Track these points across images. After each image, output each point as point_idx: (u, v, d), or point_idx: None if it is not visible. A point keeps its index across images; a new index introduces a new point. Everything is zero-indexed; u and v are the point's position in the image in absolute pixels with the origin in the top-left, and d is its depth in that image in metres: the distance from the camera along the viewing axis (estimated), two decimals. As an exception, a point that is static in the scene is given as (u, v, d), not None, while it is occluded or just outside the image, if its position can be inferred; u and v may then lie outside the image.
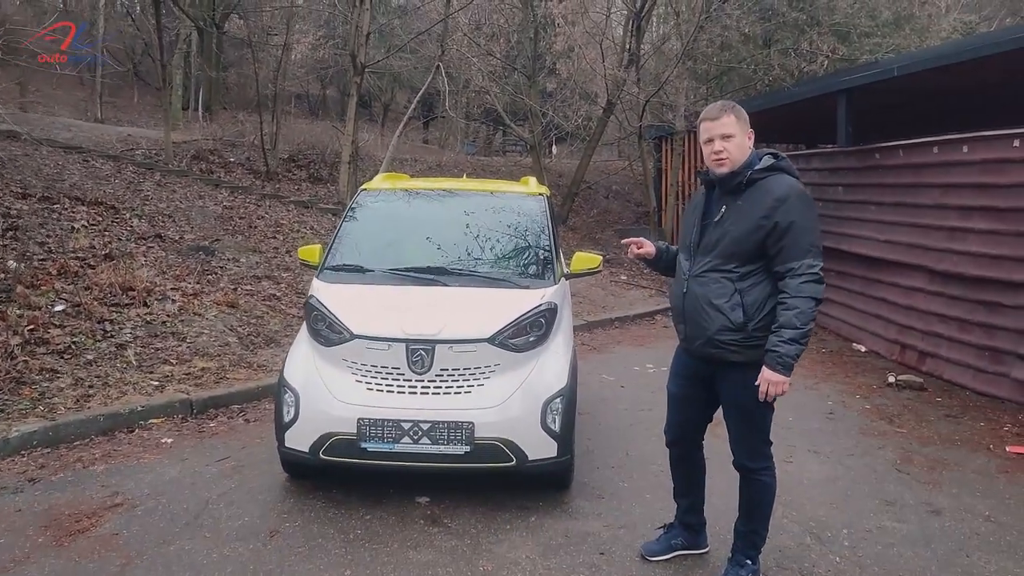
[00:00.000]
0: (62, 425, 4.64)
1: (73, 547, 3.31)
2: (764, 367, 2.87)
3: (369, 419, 3.64)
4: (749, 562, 3.20)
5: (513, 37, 18.92)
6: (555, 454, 3.80)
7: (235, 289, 8.19)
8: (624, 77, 14.89)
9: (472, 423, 3.64)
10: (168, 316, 6.86)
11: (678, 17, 15.07)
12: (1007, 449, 5.15)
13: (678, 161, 16.01)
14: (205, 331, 6.76)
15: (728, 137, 2.96)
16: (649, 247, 3.33)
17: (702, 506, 3.49)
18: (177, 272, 8.15)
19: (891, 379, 6.90)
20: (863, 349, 8.37)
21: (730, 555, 3.27)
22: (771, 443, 3.17)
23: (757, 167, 2.97)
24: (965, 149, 6.62)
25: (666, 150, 16.88)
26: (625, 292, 12.19)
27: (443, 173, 18.45)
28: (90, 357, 5.77)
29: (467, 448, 3.65)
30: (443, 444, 3.65)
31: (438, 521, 3.69)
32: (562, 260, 4.70)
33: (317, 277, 4.25)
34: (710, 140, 3.01)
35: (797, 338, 2.81)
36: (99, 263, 7.72)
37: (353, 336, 3.77)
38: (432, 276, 4.11)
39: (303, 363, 3.92)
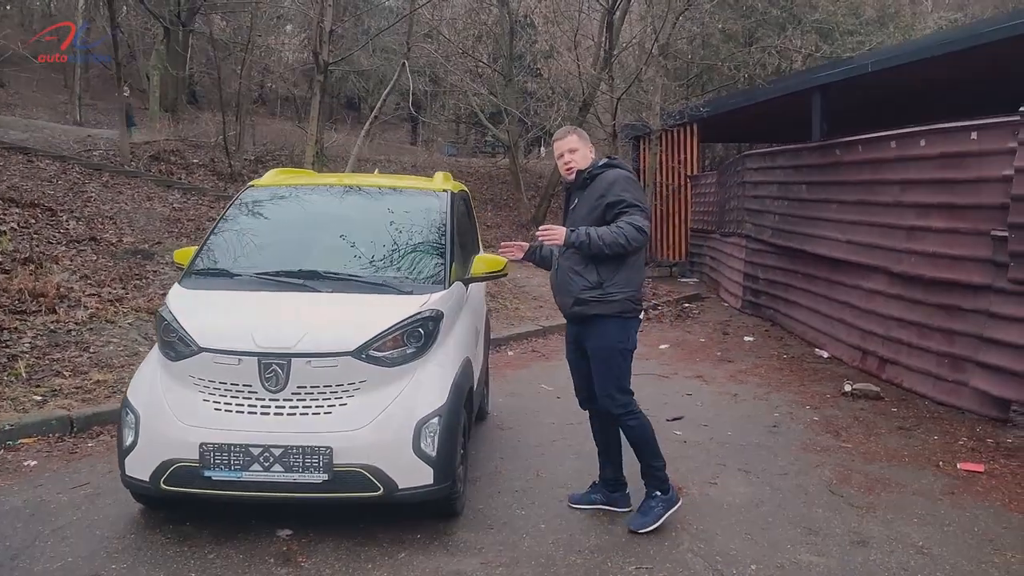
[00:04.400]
0: (-89, 447, 4.20)
1: None
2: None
3: (213, 444, 3.21)
4: (659, 493, 3.71)
5: (490, 36, 18.51)
6: (431, 482, 3.36)
7: (164, 295, 7.75)
8: (599, 76, 14.49)
9: (330, 448, 3.21)
10: (76, 324, 6.43)
11: (651, 8, 14.63)
12: (958, 466, 4.71)
13: (655, 160, 15.59)
14: (115, 340, 6.33)
15: (573, 151, 3.72)
16: (520, 249, 3.91)
17: (617, 465, 3.90)
18: (101, 277, 7.72)
19: (847, 388, 6.47)
20: (826, 355, 7.94)
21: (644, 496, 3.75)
22: (631, 392, 3.71)
23: (599, 165, 3.71)
24: (922, 143, 6.19)
25: (643, 149, 16.44)
26: (591, 295, 11.73)
27: (403, 173, 18.00)
28: (-26, 369, 5.34)
29: (324, 476, 3.22)
30: (297, 472, 3.21)
31: (291, 560, 3.25)
32: (465, 263, 4.26)
33: (179, 283, 3.82)
34: (560, 155, 3.77)
35: (589, 240, 3.44)
36: (15, 268, 7.29)
37: (200, 349, 3.34)
38: (302, 281, 3.67)
39: (148, 381, 3.50)
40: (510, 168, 18.50)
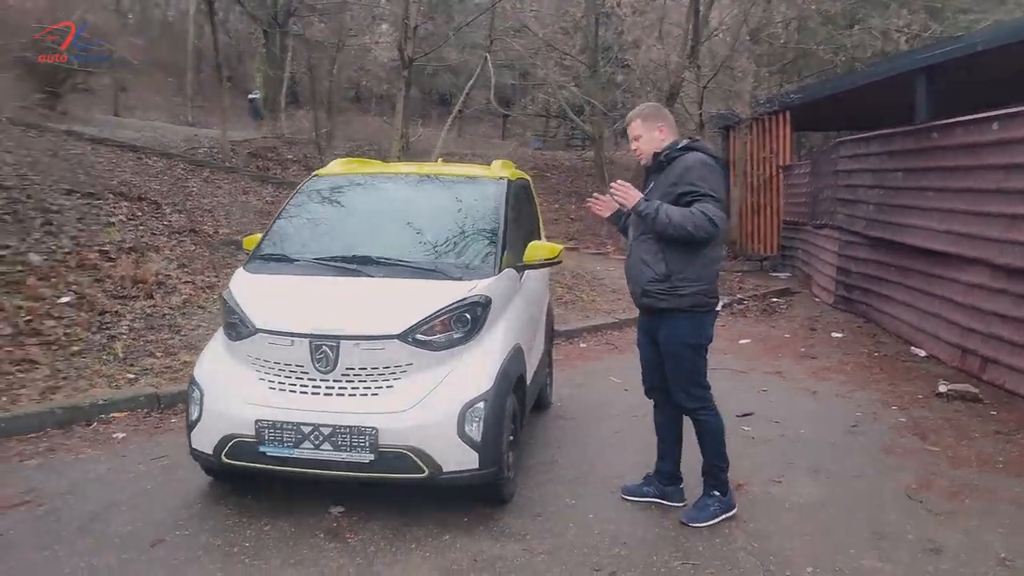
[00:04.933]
0: (16, 417, 4.59)
1: (-48, 548, 3.16)
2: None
3: (268, 421, 3.33)
4: (717, 493, 3.61)
5: (577, 29, 18.34)
6: (476, 466, 3.38)
7: (252, 283, 8.13)
8: (685, 64, 14.10)
9: (375, 429, 3.27)
10: (171, 309, 6.84)
11: (740, -3, 14.10)
12: (1060, 475, 4.32)
13: (744, 150, 15.04)
14: (204, 324, 6.69)
15: (637, 137, 3.64)
16: (608, 207, 3.82)
17: (675, 458, 3.83)
18: (196, 266, 8.17)
19: (942, 388, 6.03)
20: (922, 354, 7.44)
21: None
22: (707, 386, 3.62)
23: (677, 148, 3.52)
24: (1028, 123, 5.68)
25: (732, 139, 15.90)
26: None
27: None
28: (76, 348, 5.77)
29: (371, 456, 3.28)
30: (345, 451, 3.29)
31: (339, 535, 3.34)
32: (521, 250, 4.23)
33: (243, 267, 3.99)
34: (630, 141, 3.75)
35: (656, 213, 3.32)
36: (120, 256, 7.82)
37: (256, 330, 3.48)
38: (355, 266, 3.75)
39: (212, 360, 3.68)
40: (594, 160, 18.30)
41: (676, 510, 3.69)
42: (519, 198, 4.63)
